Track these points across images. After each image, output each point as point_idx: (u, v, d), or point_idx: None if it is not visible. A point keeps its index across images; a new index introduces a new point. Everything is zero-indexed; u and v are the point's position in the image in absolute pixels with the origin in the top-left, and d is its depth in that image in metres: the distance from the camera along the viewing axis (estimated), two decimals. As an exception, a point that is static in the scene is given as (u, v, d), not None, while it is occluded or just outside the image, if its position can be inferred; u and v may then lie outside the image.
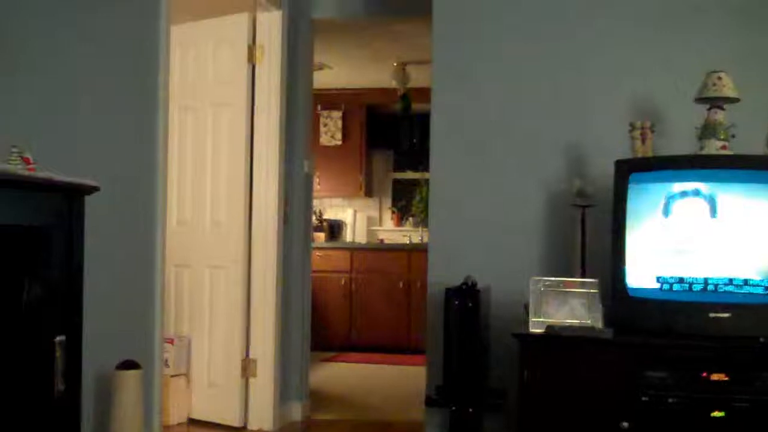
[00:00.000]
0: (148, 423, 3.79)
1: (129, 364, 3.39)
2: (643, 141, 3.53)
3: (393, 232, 9.34)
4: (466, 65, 4.05)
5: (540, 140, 3.91)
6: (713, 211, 3.17)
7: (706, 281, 3.15)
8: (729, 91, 3.34)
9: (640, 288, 3.25)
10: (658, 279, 3.22)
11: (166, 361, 4.56)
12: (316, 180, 7.71)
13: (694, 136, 3.41)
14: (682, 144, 3.53)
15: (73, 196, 2.63)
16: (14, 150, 2.50)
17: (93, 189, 2.71)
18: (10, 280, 2.51)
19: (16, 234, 2.50)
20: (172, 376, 4.72)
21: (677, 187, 3.23)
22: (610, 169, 3.36)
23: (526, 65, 3.97)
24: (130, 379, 3.36)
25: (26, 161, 2.50)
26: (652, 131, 3.55)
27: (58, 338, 2.55)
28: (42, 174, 2.49)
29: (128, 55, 3.74)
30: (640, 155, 3.51)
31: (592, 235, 3.59)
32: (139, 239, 3.84)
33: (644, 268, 3.25)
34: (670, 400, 3.02)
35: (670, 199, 3.23)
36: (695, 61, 3.64)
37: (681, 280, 3.19)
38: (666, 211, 3.23)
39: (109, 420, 3.36)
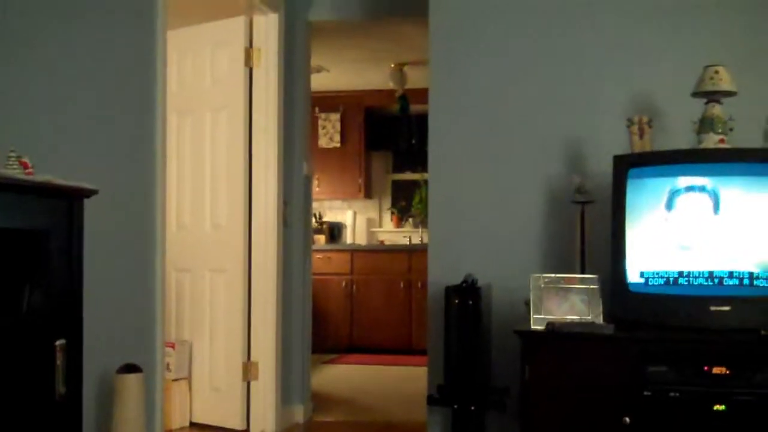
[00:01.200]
0: (150, 427, 3.79)
1: (130, 368, 3.39)
2: (641, 136, 3.53)
3: (393, 233, 9.34)
4: (464, 64, 4.05)
5: (538, 137, 3.91)
6: (714, 205, 3.17)
7: (706, 275, 3.15)
8: (726, 84, 3.34)
9: (640, 283, 3.25)
10: (658, 273, 3.22)
11: (168, 365, 4.56)
12: (315, 182, 7.72)
13: (692, 131, 3.41)
14: (680, 139, 3.53)
15: (72, 199, 2.64)
16: (12, 154, 2.50)
17: (92, 192, 2.71)
18: (10, 284, 2.51)
19: (15, 238, 2.51)
20: (173, 380, 4.72)
21: (675, 181, 3.23)
22: (609, 165, 3.36)
23: (523, 63, 3.97)
24: (132, 382, 3.36)
25: (24, 165, 2.50)
26: (650, 126, 3.55)
27: (59, 342, 2.55)
28: (40, 178, 2.49)
29: (125, 60, 3.74)
30: (638, 150, 3.51)
31: (591, 231, 3.59)
32: (139, 243, 3.84)
33: (644, 263, 3.25)
34: (672, 395, 3.02)
35: (669, 193, 3.23)
36: (692, 55, 3.63)
37: (681, 274, 3.18)
38: (667, 206, 3.23)
39: (111, 423, 3.35)
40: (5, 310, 2.47)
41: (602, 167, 3.54)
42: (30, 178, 2.46)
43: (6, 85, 2.96)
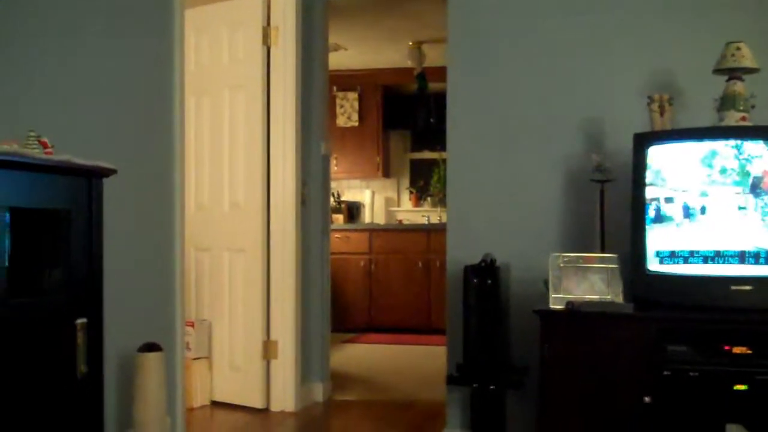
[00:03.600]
0: (171, 405, 3.82)
1: (151, 347, 3.41)
2: (662, 114, 3.50)
3: (411, 212, 9.34)
4: (482, 42, 4.02)
5: (557, 116, 3.88)
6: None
7: (729, 254, 3.12)
8: (748, 61, 3.30)
9: (659, 261, 3.22)
10: (678, 252, 3.20)
11: (188, 344, 4.59)
12: (333, 162, 7.72)
13: (713, 109, 3.37)
14: (702, 116, 3.49)
15: (91, 179, 2.65)
16: (31, 134, 2.51)
17: (111, 171, 2.72)
18: (31, 264, 2.53)
19: (36, 217, 2.52)
20: (193, 359, 4.75)
21: (697, 159, 3.20)
22: (629, 144, 3.34)
23: (543, 40, 3.93)
24: (152, 361, 3.38)
25: (43, 145, 2.51)
26: (671, 104, 3.51)
27: (80, 321, 2.57)
28: (60, 157, 2.50)
29: (143, 40, 3.74)
30: (658, 128, 3.47)
31: (611, 210, 3.56)
32: (158, 223, 3.86)
33: (664, 242, 3.23)
34: (692, 374, 3.00)
35: (690, 172, 3.20)
36: (714, 32, 3.59)
37: (701, 253, 3.16)
38: (686, 185, 3.20)
39: (133, 402, 3.38)
40: (26, 290, 2.49)
41: (622, 145, 3.51)
42: (49, 157, 2.47)
43: (24, 66, 2.97)
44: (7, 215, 2.31)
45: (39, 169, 2.41)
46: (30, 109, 2.95)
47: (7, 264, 2.29)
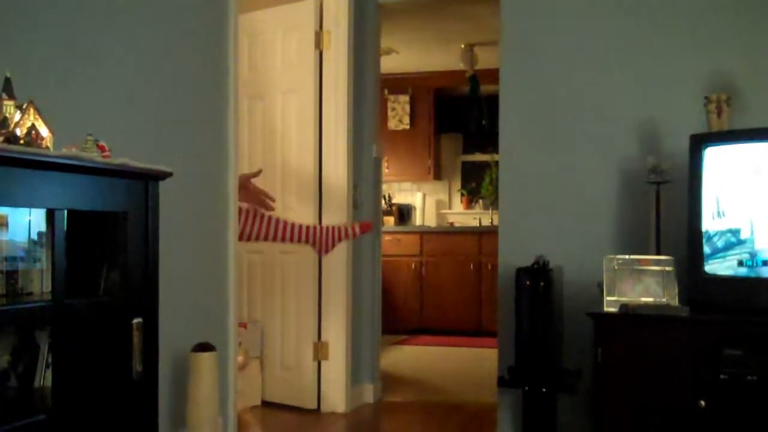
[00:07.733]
0: (223, 405, 3.86)
1: (204, 347, 3.45)
2: (719, 115, 3.44)
3: (463, 214, 9.32)
4: (536, 44, 4.00)
5: (612, 117, 3.84)
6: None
7: (786, 257, 3.06)
8: (808, 60, 3.23)
9: (717, 264, 3.17)
10: (733, 255, 3.14)
11: (240, 344, 4.63)
12: (384, 164, 7.73)
13: (772, 109, 3.32)
14: (761, 117, 3.43)
15: (148, 181, 2.69)
16: (89, 138, 2.55)
17: (166, 174, 2.76)
18: (88, 265, 2.58)
19: (93, 220, 2.57)
20: (246, 359, 4.79)
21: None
22: (685, 145, 3.29)
23: (596, 42, 3.89)
24: (206, 361, 3.42)
25: (101, 148, 2.55)
26: (729, 104, 3.46)
27: (136, 320, 2.61)
28: (117, 160, 2.54)
29: (198, 45, 3.79)
30: (716, 129, 3.42)
31: (666, 212, 3.51)
32: (212, 225, 3.90)
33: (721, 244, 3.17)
34: (749, 378, 2.94)
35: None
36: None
37: (759, 255, 3.10)
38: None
39: (186, 401, 3.42)
40: (84, 290, 2.54)
41: (678, 147, 3.46)
42: (107, 161, 2.51)
43: (81, 70, 3.03)
44: (65, 217, 2.35)
45: (97, 173, 2.46)
46: (87, 112, 3.00)
47: (65, 265, 2.34)
